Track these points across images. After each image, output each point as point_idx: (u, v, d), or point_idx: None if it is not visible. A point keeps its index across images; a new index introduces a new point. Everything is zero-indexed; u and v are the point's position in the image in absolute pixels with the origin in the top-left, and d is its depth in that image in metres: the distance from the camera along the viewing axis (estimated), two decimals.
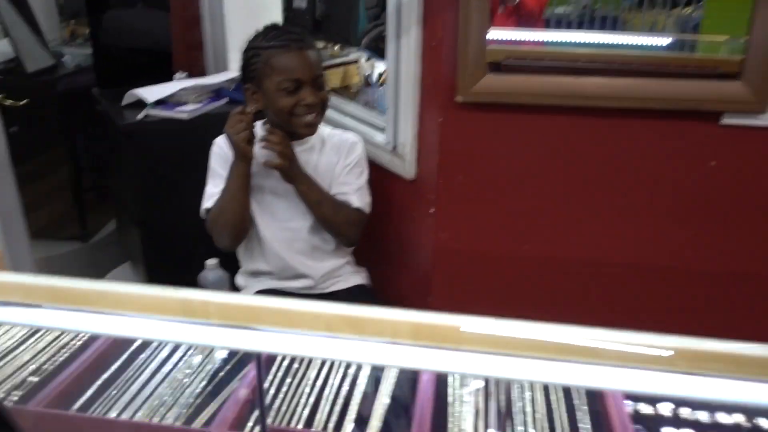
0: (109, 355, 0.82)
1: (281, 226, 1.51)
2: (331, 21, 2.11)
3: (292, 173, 1.43)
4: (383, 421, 0.70)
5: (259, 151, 1.42)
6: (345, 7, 2.07)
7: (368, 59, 2.18)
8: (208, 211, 1.47)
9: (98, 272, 2.18)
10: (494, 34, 1.36)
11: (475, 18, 1.31)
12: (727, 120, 1.30)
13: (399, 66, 1.50)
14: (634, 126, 1.36)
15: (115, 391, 0.75)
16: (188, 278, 1.86)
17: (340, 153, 1.51)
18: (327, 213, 1.46)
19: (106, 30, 1.86)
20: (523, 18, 1.60)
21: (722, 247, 1.39)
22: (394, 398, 0.73)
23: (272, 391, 0.75)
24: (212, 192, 1.47)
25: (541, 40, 1.55)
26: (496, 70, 1.37)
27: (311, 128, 1.43)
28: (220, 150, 1.48)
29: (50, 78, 2.23)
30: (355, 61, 2.19)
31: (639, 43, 1.39)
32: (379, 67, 2.15)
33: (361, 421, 0.71)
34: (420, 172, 1.55)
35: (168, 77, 1.97)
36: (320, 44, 2.32)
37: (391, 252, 1.73)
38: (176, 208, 1.73)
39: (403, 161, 1.56)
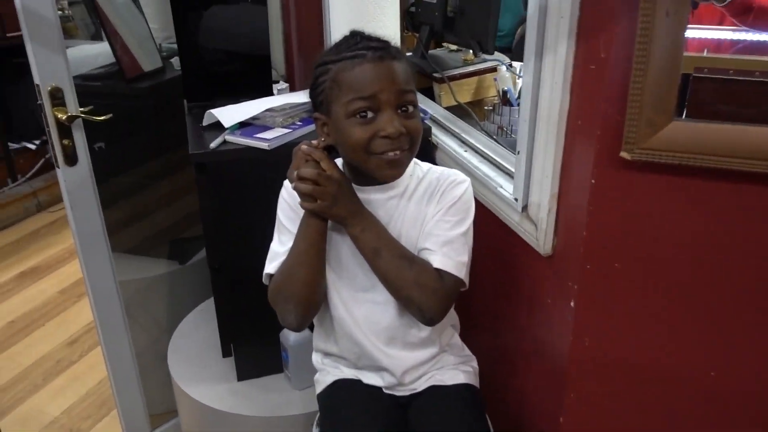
0: None
1: (358, 299, 1.13)
2: (466, 18, 1.67)
3: (340, 211, 1.04)
4: None
5: None
6: (484, 2, 1.62)
7: (510, 69, 1.72)
8: (269, 277, 1.13)
9: (188, 302, 1.97)
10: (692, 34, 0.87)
11: (664, 32, 0.82)
12: None
13: (538, 94, 1.05)
14: None
15: None
16: (269, 333, 1.57)
17: (434, 194, 1.10)
18: (388, 268, 1.05)
19: (198, 31, 1.59)
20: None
21: None
22: None
23: None
24: (277, 252, 1.13)
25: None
26: (678, 111, 0.88)
27: (394, 170, 1.03)
28: (290, 197, 1.13)
29: (156, 82, 2.03)
30: (493, 70, 1.74)
31: None
32: None
33: None
34: (559, 247, 1.09)
35: (268, 88, 1.68)
36: (452, 47, 1.90)
37: (513, 347, 1.30)
38: (254, 253, 1.43)
39: (536, 228, 1.11)
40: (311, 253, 1.07)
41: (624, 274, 1.00)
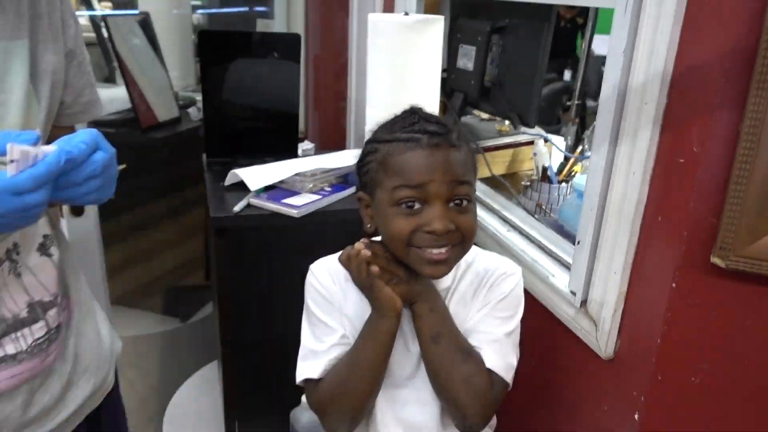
0: None
1: (397, 412, 1.01)
2: (504, 88, 1.61)
3: (413, 292, 0.93)
4: None
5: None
6: (523, 73, 1.56)
7: (547, 142, 1.64)
8: (309, 381, 1.00)
9: (195, 359, 1.84)
10: None
11: None
12: None
13: (610, 182, 0.96)
14: None
15: None
16: (278, 413, 1.43)
17: (480, 287, 0.99)
18: (444, 358, 0.93)
19: (223, 84, 1.50)
20: None
21: None
22: None
23: None
24: (312, 350, 1.00)
25: None
26: None
27: (437, 269, 0.90)
28: (321, 286, 1.01)
29: (171, 133, 1.94)
30: (530, 143, 1.67)
31: None
32: (558, 153, 1.62)
33: None
34: (622, 351, 0.98)
35: (293, 148, 1.59)
36: (484, 115, 1.83)
37: None
38: (271, 328, 1.32)
39: (596, 328, 1.00)
40: (378, 360, 0.95)
41: (701, 390, 0.89)
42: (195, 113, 2.08)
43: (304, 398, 1.38)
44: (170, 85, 2.02)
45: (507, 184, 1.54)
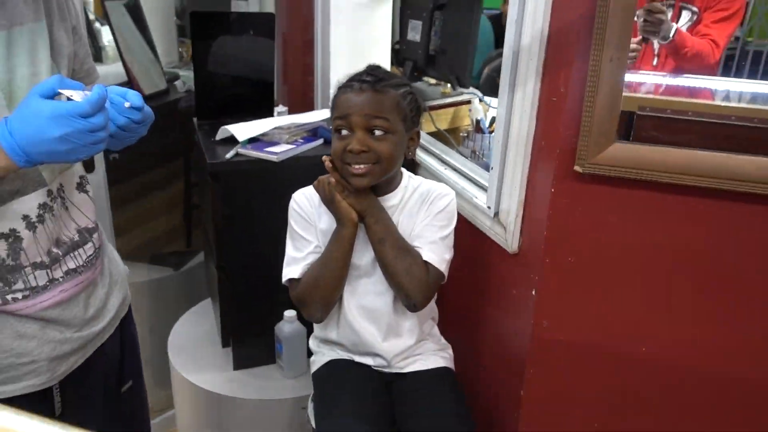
0: None
1: (359, 300, 1.34)
2: (446, 56, 1.93)
3: (363, 205, 1.26)
4: None
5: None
6: (461, 43, 1.88)
7: (482, 101, 1.97)
8: (292, 281, 1.33)
9: (187, 302, 2.14)
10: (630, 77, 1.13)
11: (608, 73, 1.08)
12: None
13: (510, 121, 1.29)
14: None
15: None
16: (265, 327, 1.75)
17: (423, 204, 1.32)
18: (389, 255, 1.26)
19: (210, 60, 1.80)
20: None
21: None
22: None
23: None
24: (294, 257, 1.33)
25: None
26: (625, 138, 1.13)
27: (358, 180, 1.22)
28: (300, 209, 1.34)
29: (161, 102, 2.22)
30: (468, 102, 2.00)
31: None
32: (494, 112, 1.94)
33: None
34: (523, 245, 1.32)
35: (269, 110, 1.89)
36: (432, 81, 2.15)
37: (483, 331, 1.51)
38: (258, 255, 1.63)
39: (505, 231, 1.34)
40: (342, 259, 1.28)
41: (576, 267, 1.23)
42: (180, 86, 2.37)
43: (285, 313, 1.71)
44: (158, 60, 2.29)
45: (448, 135, 1.86)
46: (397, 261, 1.27)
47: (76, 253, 1.08)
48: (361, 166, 1.20)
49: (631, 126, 1.15)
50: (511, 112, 1.28)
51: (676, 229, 1.15)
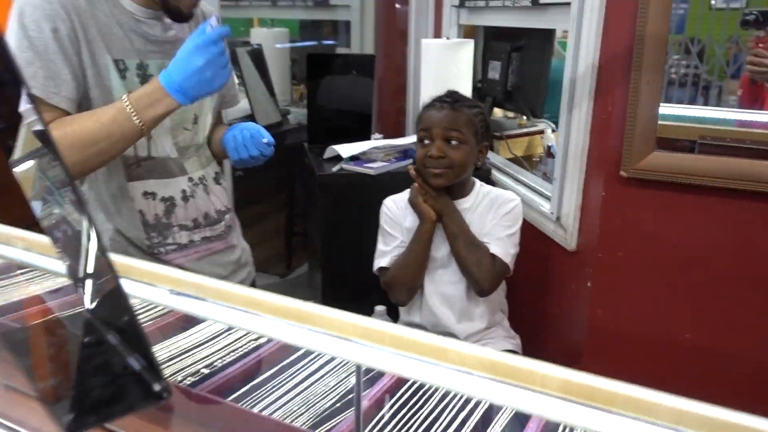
0: (275, 359, 0.97)
1: (437, 288, 1.59)
2: (521, 92, 2.20)
3: (439, 206, 1.51)
4: None
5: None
6: (535, 79, 2.14)
7: (554, 131, 2.21)
8: (382, 269, 1.60)
9: None
10: (665, 110, 1.35)
11: (645, 93, 1.31)
12: None
13: (569, 138, 1.54)
14: None
15: (268, 390, 0.89)
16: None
17: (492, 208, 1.56)
18: (461, 248, 1.49)
19: (321, 93, 2.16)
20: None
21: None
22: None
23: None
24: (383, 250, 1.61)
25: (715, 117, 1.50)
26: (663, 148, 1.35)
27: (435, 180, 1.48)
28: (389, 211, 1.62)
29: (276, 132, 2.62)
30: (541, 132, 2.24)
31: None
32: None
33: None
34: (581, 244, 1.54)
35: (367, 137, 2.22)
36: (510, 114, 2.42)
37: (546, 321, 1.72)
38: (356, 254, 1.92)
39: (565, 232, 1.57)
40: (423, 250, 1.55)
41: (626, 262, 1.44)
42: (292, 119, 2.77)
43: (376, 308, 1.99)
44: (275, 99, 2.71)
45: (522, 160, 2.12)
46: (469, 254, 1.52)
47: (213, 227, 1.40)
48: (438, 169, 1.48)
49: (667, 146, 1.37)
50: (569, 130, 1.53)
51: (714, 225, 1.34)
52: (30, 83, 1.10)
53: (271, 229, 3.02)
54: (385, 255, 1.60)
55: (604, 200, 1.43)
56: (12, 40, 1.10)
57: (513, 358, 0.52)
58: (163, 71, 1.08)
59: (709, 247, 1.35)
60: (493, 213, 1.57)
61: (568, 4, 1.53)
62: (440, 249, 1.57)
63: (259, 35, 2.98)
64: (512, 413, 0.81)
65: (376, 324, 0.59)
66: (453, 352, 0.54)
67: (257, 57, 2.70)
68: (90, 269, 0.58)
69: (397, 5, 2.88)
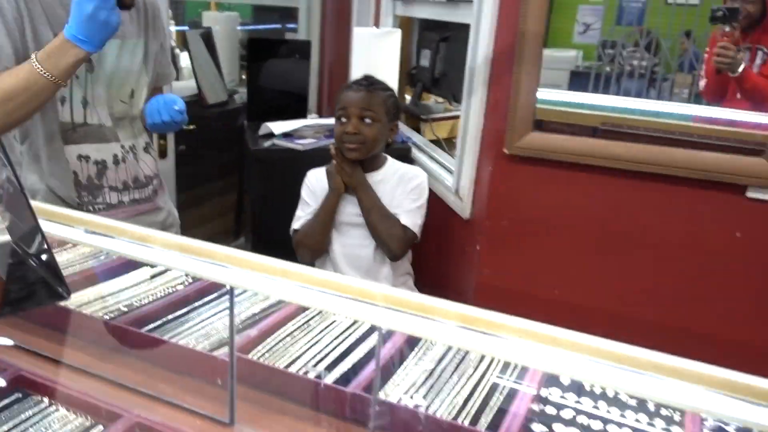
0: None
1: (348, 249, 1.78)
2: (447, 78, 2.40)
3: (354, 181, 1.69)
4: None
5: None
6: (459, 67, 2.34)
7: None
8: (294, 231, 1.79)
9: None
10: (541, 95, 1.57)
11: (525, 82, 1.53)
12: (752, 194, 1.36)
13: (468, 120, 1.75)
14: (663, 190, 1.46)
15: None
16: None
17: (401, 182, 1.74)
18: (375, 220, 1.68)
19: (261, 75, 2.34)
20: None
21: (743, 314, 1.42)
22: None
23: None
24: (299, 216, 1.79)
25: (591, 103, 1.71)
26: (540, 128, 1.57)
27: (350, 153, 1.67)
28: (309, 182, 1.80)
29: (222, 110, 2.78)
30: None
31: (669, 111, 1.50)
32: None
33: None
34: (474, 213, 1.76)
35: (303, 116, 2.40)
36: (439, 99, 2.63)
37: (445, 281, 1.95)
38: (285, 223, 2.11)
39: (462, 202, 1.79)
40: (327, 217, 1.74)
41: (509, 228, 1.66)
42: (238, 99, 2.94)
43: None
44: (223, 79, 2.87)
45: (442, 141, 2.33)
46: (381, 224, 1.71)
47: (142, 190, 1.55)
48: (354, 144, 1.67)
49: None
50: (468, 113, 1.74)
51: (580, 197, 1.57)
52: None
53: (222, 207, 3.19)
54: (299, 219, 1.78)
55: (492, 174, 1.65)
56: None
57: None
58: (66, 25, 1.17)
59: (577, 215, 1.58)
60: (402, 187, 1.75)
61: (472, 1, 1.74)
62: (350, 215, 1.76)
63: (209, 18, 3.13)
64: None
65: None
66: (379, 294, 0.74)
67: (207, 39, 2.85)
68: (16, 211, 0.78)
69: None
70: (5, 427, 0.81)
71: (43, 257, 0.80)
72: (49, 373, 0.89)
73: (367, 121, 1.65)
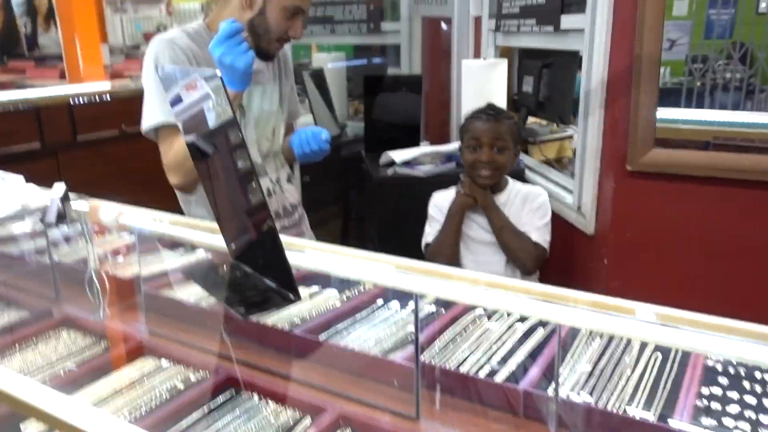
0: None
1: (479, 266, 1.89)
2: (551, 102, 2.50)
3: (485, 202, 1.81)
4: None
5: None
6: (563, 90, 2.44)
7: None
8: (426, 245, 1.94)
9: None
10: (662, 113, 1.64)
11: (644, 102, 1.61)
12: None
13: (585, 140, 1.84)
14: None
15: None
16: None
17: (526, 202, 1.85)
18: (507, 238, 1.79)
19: (376, 109, 2.52)
20: None
21: None
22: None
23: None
24: (428, 231, 1.93)
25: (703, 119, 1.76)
26: (662, 145, 1.64)
27: (484, 180, 1.79)
28: (437, 203, 1.94)
29: (335, 144, 2.99)
30: (570, 137, 2.54)
31: None
32: None
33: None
34: (597, 229, 1.84)
35: (416, 144, 2.56)
36: (542, 122, 2.72)
37: None
38: (407, 244, 2.26)
39: (585, 219, 1.87)
40: (457, 226, 1.86)
41: (634, 242, 1.73)
42: (349, 132, 3.15)
43: None
44: (334, 114, 3.09)
45: (553, 162, 2.42)
46: (514, 242, 1.81)
47: (289, 218, 1.75)
48: (488, 171, 1.79)
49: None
50: (585, 134, 1.84)
51: (705, 210, 1.62)
52: (162, 113, 1.47)
53: (327, 234, 3.40)
54: (429, 235, 1.92)
55: (615, 191, 1.73)
56: (150, 79, 1.50)
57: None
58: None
59: (702, 231, 1.63)
60: (528, 207, 1.85)
61: (582, 30, 1.84)
62: (479, 233, 1.88)
63: (319, 59, 3.39)
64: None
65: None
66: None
67: (318, 77, 3.08)
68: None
69: (443, 26, 3.24)
70: (228, 417, 0.97)
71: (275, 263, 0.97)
72: (255, 373, 0.99)
73: (499, 149, 1.77)
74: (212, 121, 0.86)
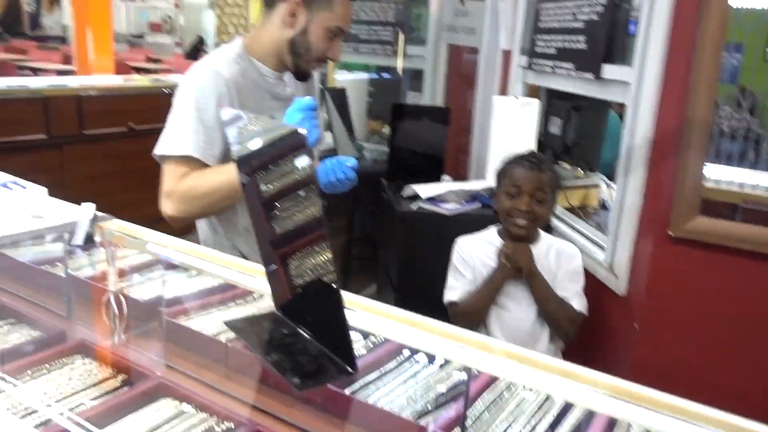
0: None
1: (506, 321, 1.82)
2: (579, 147, 2.45)
3: (530, 274, 1.72)
4: None
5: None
6: (592, 136, 2.40)
7: (608, 186, 2.46)
8: (451, 303, 1.82)
9: None
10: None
11: (692, 167, 1.57)
12: None
13: (624, 197, 1.79)
14: None
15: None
16: None
17: (560, 259, 1.78)
18: (552, 309, 1.71)
19: (399, 137, 2.46)
20: None
21: None
22: None
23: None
24: (453, 285, 1.83)
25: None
26: (707, 213, 1.59)
27: (519, 230, 1.72)
28: (461, 250, 1.85)
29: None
30: (596, 186, 2.49)
31: None
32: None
33: None
34: (630, 290, 1.78)
35: (437, 178, 2.50)
36: (567, 166, 2.68)
37: (597, 354, 1.96)
38: (428, 283, 2.19)
39: (617, 278, 1.81)
40: (494, 295, 1.77)
41: (669, 310, 1.68)
42: (367, 155, 3.08)
43: None
44: (353, 135, 3.03)
45: (578, 210, 2.37)
46: (558, 313, 1.72)
47: None
48: (525, 221, 1.73)
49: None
50: (625, 191, 1.79)
51: (747, 286, 1.57)
52: (191, 145, 1.43)
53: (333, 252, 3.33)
54: (455, 290, 1.82)
55: (653, 255, 1.68)
56: (184, 110, 1.45)
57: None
58: None
59: (744, 306, 1.58)
60: (564, 267, 1.76)
61: (627, 82, 1.79)
62: (510, 290, 1.79)
63: (341, 78, 3.33)
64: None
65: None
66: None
67: (340, 97, 3.02)
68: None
69: (465, 55, 3.20)
70: None
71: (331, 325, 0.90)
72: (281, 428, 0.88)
73: (538, 200, 1.71)
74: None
